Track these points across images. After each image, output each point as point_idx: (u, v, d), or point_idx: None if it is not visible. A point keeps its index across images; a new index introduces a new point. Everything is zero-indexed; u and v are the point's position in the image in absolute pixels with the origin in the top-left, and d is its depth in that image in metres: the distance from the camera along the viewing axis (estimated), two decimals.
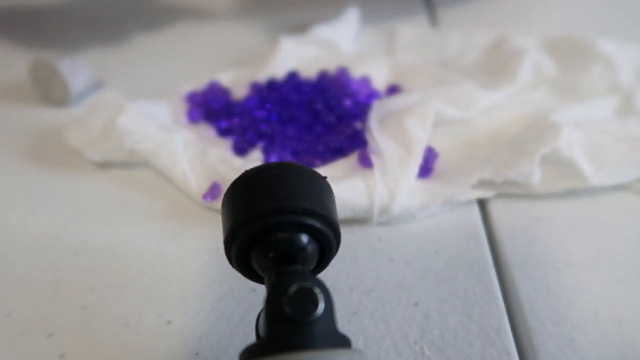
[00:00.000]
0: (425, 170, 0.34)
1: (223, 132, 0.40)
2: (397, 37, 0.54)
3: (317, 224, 0.20)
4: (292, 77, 0.44)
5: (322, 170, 0.30)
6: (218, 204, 0.33)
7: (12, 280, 0.29)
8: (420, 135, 0.34)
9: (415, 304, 0.27)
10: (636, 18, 0.56)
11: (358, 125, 0.39)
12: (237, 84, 0.45)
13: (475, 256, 0.30)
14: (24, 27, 0.63)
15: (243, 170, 0.21)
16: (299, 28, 0.54)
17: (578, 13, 0.59)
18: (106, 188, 0.36)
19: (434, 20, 0.60)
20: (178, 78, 0.47)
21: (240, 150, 0.37)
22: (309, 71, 0.46)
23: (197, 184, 0.34)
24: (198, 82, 0.45)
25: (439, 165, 0.35)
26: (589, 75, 0.42)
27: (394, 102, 0.39)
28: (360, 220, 0.32)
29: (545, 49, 0.46)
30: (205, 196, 0.33)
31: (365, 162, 0.34)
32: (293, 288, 0.18)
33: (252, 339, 0.25)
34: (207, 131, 0.40)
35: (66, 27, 0.63)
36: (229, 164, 0.35)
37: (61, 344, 0.26)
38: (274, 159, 0.36)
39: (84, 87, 0.46)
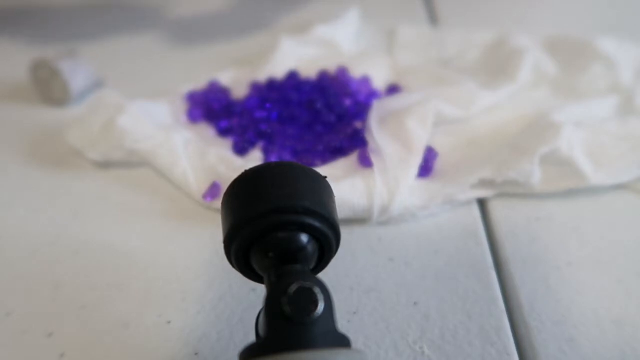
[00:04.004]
0: (426, 169, 0.34)
1: (223, 132, 0.40)
2: (397, 37, 0.54)
3: (317, 224, 0.20)
4: (292, 76, 0.44)
5: (322, 170, 0.30)
6: (218, 203, 0.33)
7: (12, 280, 0.29)
8: (421, 135, 0.34)
9: (415, 303, 0.27)
10: (636, 18, 0.56)
11: (358, 124, 0.39)
12: (237, 83, 0.45)
13: (475, 256, 0.30)
14: (24, 27, 0.63)
15: (243, 170, 0.21)
16: (299, 28, 0.54)
17: (578, 13, 0.59)
18: (106, 188, 0.36)
19: (434, 20, 0.60)
20: (178, 78, 0.47)
21: (240, 150, 0.37)
22: (309, 71, 0.46)
23: (197, 184, 0.34)
24: (198, 82, 0.45)
25: (439, 164, 0.35)
26: (589, 75, 0.42)
27: (394, 101, 0.39)
28: (360, 219, 0.32)
29: (546, 49, 0.46)
30: (205, 196, 0.33)
31: (365, 161, 0.34)
32: (293, 288, 0.18)
33: (252, 338, 0.25)
34: (207, 131, 0.40)
35: (66, 26, 0.63)
36: (229, 163, 0.35)
37: (61, 344, 0.26)
38: (274, 158, 0.36)
39: (84, 87, 0.46)
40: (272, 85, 0.44)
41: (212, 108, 0.42)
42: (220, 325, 0.26)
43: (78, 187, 0.36)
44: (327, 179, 0.22)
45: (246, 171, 0.21)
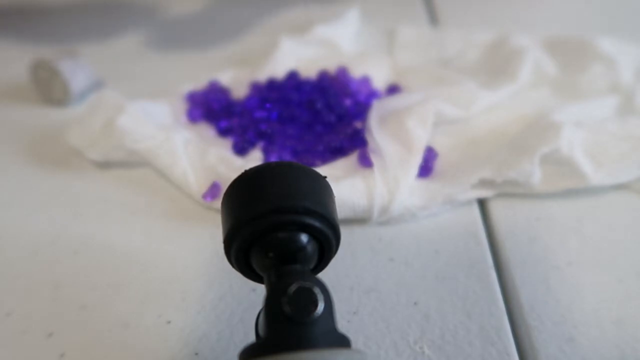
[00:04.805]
0: (425, 169, 0.34)
1: (223, 132, 0.40)
2: (397, 37, 0.54)
3: (317, 224, 0.20)
4: (292, 76, 0.44)
5: (322, 170, 0.30)
6: (218, 203, 0.33)
7: (12, 280, 0.29)
8: (420, 135, 0.34)
9: (415, 303, 0.27)
10: (636, 18, 0.56)
11: (358, 124, 0.39)
12: (237, 83, 0.45)
13: (475, 256, 0.30)
14: (24, 27, 0.63)
15: (243, 170, 0.21)
16: (299, 28, 0.54)
17: (578, 13, 0.59)
18: (106, 188, 0.36)
19: (434, 20, 0.60)
20: (178, 78, 0.47)
21: (240, 150, 0.37)
22: (309, 71, 0.46)
23: (197, 184, 0.34)
24: (198, 82, 0.45)
25: (439, 164, 0.35)
26: (589, 74, 0.42)
27: (394, 101, 0.39)
28: (360, 219, 0.32)
29: (546, 49, 0.46)
30: (205, 196, 0.33)
31: (365, 161, 0.34)
32: (293, 288, 0.18)
33: (252, 338, 0.25)
34: (207, 131, 0.40)
35: (66, 27, 0.63)
36: (229, 163, 0.35)
37: (61, 344, 0.26)
38: (273, 158, 0.36)
39: (84, 87, 0.46)
40: (272, 85, 0.44)
41: (212, 108, 0.42)
42: (220, 325, 0.26)
43: (78, 187, 0.36)
44: (327, 179, 0.22)
45: (246, 171, 0.21)
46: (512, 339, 0.25)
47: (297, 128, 0.39)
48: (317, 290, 0.18)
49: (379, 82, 0.45)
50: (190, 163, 0.35)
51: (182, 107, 0.42)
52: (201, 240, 0.31)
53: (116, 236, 0.32)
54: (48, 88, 0.45)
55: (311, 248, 0.20)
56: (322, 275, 0.21)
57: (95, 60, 0.48)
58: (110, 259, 0.30)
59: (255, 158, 0.37)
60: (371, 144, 0.34)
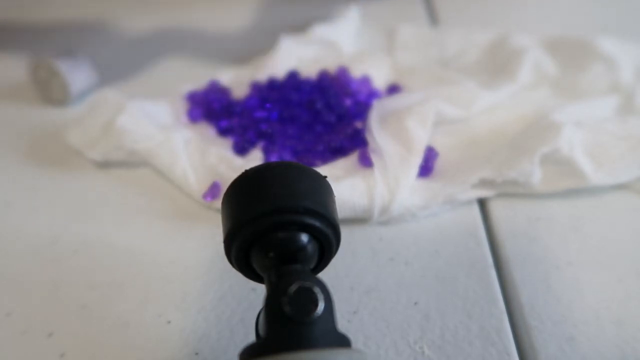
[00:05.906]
0: (426, 169, 0.34)
1: (223, 132, 0.40)
2: (397, 37, 0.54)
3: (317, 224, 0.20)
4: (292, 76, 0.44)
5: (322, 170, 0.30)
6: (218, 203, 0.33)
7: (12, 280, 0.29)
8: (421, 135, 0.34)
9: (415, 303, 0.27)
10: (636, 18, 0.56)
11: (358, 124, 0.39)
12: (237, 83, 0.45)
13: (475, 255, 0.30)
14: (24, 28, 0.63)
15: (243, 170, 0.21)
16: (299, 28, 0.54)
17: (578, 13, 0.59)
18: (106, 188, 0.36)
19: (434, 20, 0.60)
20: (178, 78, 0.47)
21: (241, 149, 0.37)
22: (309, 71, 0.46)
23: (197, 184, 0.34)
24: (198, 82, 0.45)
25: (439, 164, 0.35)
26: (589, 74, 0.42)
27: (395, 101, 0.39)
28: (360, 219, 0.32)
29: (546, 49, 0.46)
30: (205, 196, 0.33)
31: (366, 161, 0.34)
32: (293, 288, 0.18)
33: (252, 338, 0.25)
34: (207, 131, 0.40)
35: (66, 27, 0.63)
36: (229, 163, 0.35)
37: (61, 344, 0.26)
38: (274, 158, 0.36)
39: (84, 87, 0.46)
40: (272, 85, 0.44)
41: (212, 108, 0.42)
42: (220, 325, 0.26)
43: (78, 187, 0.36)
44: (327, 179, 0.22)
45: (246, 171, 0.21)
46: (512, 338, 0.25)
47: (297, 128, 0.39)
48: (317, 290, 0.18)
49: (379, 82, 0.45)
50: (191, 163, 0.35)
51: (182, 106, 0.42)
52: (201, 240, 0.31)
53: (116, 236, 0.32)
54: (48, 88, 0.45)
55: (311, 248, 0.20)
56: (322, 275, 0.21)
57: (95, 60, 0.48)
58: (110, 258, 0.30)
59: (255, 158, 0.37)
60: (371, 144, 0.34)
